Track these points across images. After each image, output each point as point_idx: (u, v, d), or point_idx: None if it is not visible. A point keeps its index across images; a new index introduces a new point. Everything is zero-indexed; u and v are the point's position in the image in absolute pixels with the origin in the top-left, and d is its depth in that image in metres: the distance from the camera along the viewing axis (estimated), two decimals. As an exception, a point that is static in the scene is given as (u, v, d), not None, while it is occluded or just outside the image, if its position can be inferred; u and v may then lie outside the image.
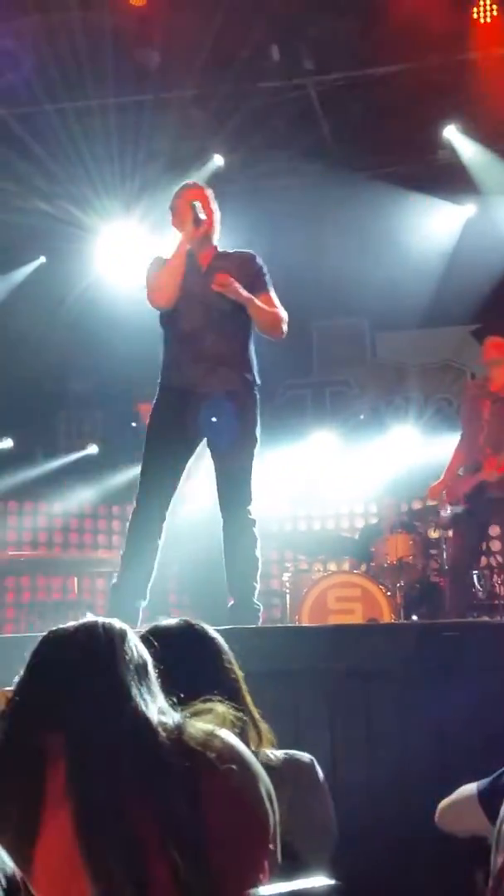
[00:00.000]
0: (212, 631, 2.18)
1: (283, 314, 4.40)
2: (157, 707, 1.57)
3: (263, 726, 2.11)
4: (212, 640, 2.16)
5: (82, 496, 8.76)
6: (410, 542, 6.94)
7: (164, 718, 1.55)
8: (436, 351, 10.15)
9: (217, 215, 4.47)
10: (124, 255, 8.13)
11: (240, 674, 2.12)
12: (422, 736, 3.27)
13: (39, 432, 9.42)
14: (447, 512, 6.19)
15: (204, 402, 4.27)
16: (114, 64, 7.26)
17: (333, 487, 9.00)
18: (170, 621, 2.19)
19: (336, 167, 8.65)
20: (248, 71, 7.46)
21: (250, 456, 4.35)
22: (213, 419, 4.27)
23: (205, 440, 4.36)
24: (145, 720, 1.53)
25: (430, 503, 6.90)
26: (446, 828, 2.39)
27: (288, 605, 6.94)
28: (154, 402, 4.41)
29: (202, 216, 4.33)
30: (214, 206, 4.47)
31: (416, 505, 7.96)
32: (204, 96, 7.73)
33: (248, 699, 2.10)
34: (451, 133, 8.14)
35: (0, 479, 8.49)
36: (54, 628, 1.62)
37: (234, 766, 1.52)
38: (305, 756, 2.27)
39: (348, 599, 6.35)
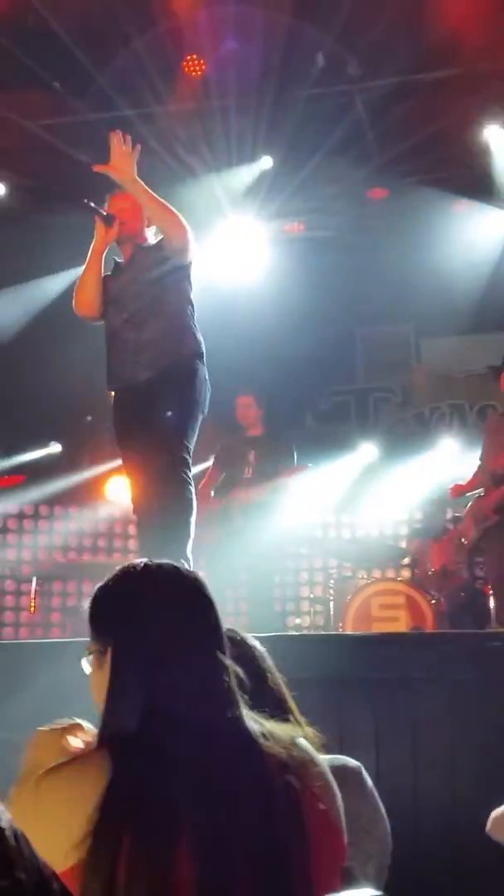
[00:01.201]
0: (251, 639, 2.17)
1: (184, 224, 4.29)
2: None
3: (310, 731, 2.10)
4: (252, 648, 2.15)
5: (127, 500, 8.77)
6: (454, 550, 6.89)
7: (254, 725, 1.55)
8: (482, 357, 10.06)
9: (147, 210, 4.40)
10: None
11: (283, 682, 2.11)
12: (469, 746, 3.24)
13: (86, 437, 9.48)
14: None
15: (137, 394, 4.29)
16: (161, 72, 7.30)
17: (377, 494, 8.96)
18: None
19: (381, 173, 8.62)
20: (293, 78, 7.46)
21: (181, 414, 4.26)
22: (146, 412, 4.25)
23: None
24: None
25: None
26: (499, 838, 2.37)
27: (332, 613, 6.92)
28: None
29: (109, 215, 4.34)
30: (140, 209, 4.43)
31: (461, 512, 7.90)
32: (248, 104, 7.73)
33: (294, 706, 2.09)
34: (497, 138, 8.09)
35: (48, 484, 8.56)
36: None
37: (323, 781, 1.53)
38: (353, 761, 2.24)
39: (392, 607, 6.32)
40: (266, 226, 8.73)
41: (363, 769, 2.25)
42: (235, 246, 8.51)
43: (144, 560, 1.67)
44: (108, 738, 1.52)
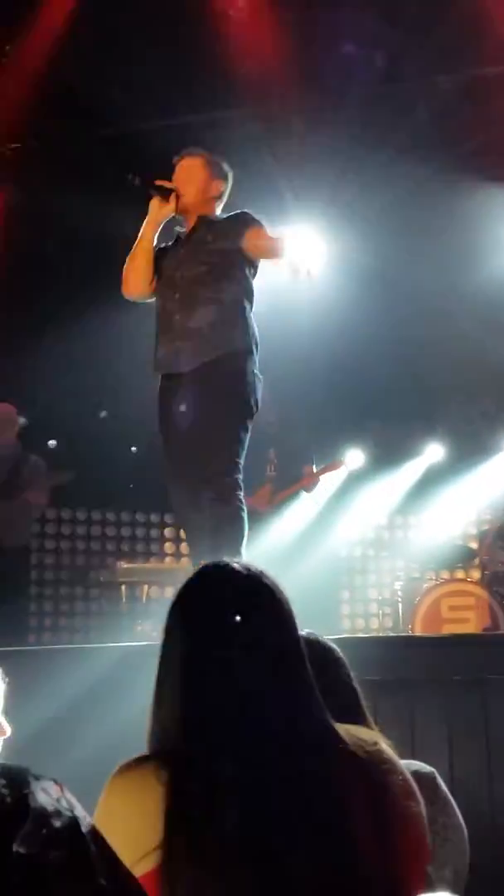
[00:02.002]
0: (334, 646, 2.14)
1: (276, 237, 4.16)
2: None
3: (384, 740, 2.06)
4: (334, 653, 2.12)
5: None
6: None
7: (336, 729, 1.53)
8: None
9: (215, 182, 4.28)
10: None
11: (359, 689, 2.08)
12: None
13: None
14: None
15: (181, 384, 4.11)
16: (212, 76, 7.31)
17: (445, 494, 8.87)
18: None
19: (442, 172, 8.53)
20: (351, 78, 7.41)
21: (231, 421, 4.07)
22: (182, 406, 4.09)
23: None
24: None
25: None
26: None
27: (400, 614, 6.86)
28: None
29: (164, 189, 4.15)
30: (206, 172, 4.29)
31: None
32: (305, 106, 7.70)
33: (367, 713, 2.06)
34: None
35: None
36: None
37: (406, 785, 1.50)
38: (426, 767, 2.21)
39: (462, 608, 6.24)
40: (328, 224, 8.69)
41: (436, 774, 2.21)
42: (297, 242, 8.48)
43: (225, 560, 1.64)
44: (160, 745, 1.50)
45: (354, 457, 8.37)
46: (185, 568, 5.49)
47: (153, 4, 6.44)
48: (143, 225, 4.20)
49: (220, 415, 4.05)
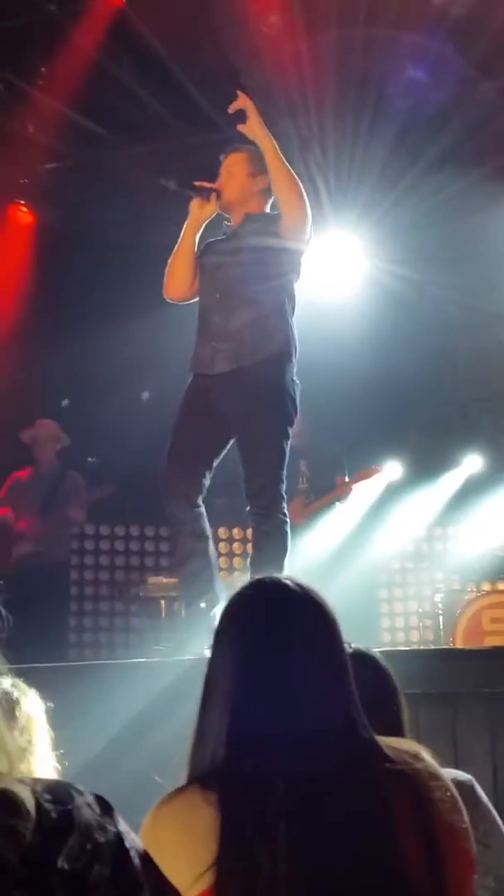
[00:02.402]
0: (383, 661, 2.13)
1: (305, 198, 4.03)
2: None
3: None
4: (384, 670, 2.11)
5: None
6: None
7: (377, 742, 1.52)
8: None
9: (259, 177, 4.19)
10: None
11: (404, 705, 2.06)
12: None
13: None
14: None
15: (216, 386, 4.05)
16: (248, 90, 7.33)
17: (484, 505, 8.80)
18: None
19: (477, 184, 8.50)
20: (387, 91, 7.42)
21: (272, 435, 4.03)
22: (225, 404, 4.03)
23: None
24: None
25: None
26: None
27: (441, 627, 6.81)
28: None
29: (205, 190, 4.10)
30: (249, 167, 4.21)
31: None
32: (339, 118, 7.71)
33: (406, 727, 2.05)
34: None
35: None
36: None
37: (449, 794, 1.50)
38: (463, 774, 2.19)
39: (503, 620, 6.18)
40: (363, 237, 8.68)
41: (475, 781, 2.19)
42: (333, 258, 8.47)
43: (272, 576, 1.64)
44: (204, 765, 1.49)
45: (392, 468, 8.34)
46: (228, 583, 5.48)
47: (186, 22, 6.48)
48: (185, 227, 4.17)
49: (261, 425, 4.01)
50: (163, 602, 6.80)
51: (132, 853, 0.93)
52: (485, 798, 2.20)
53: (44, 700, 2.18)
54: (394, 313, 8.45)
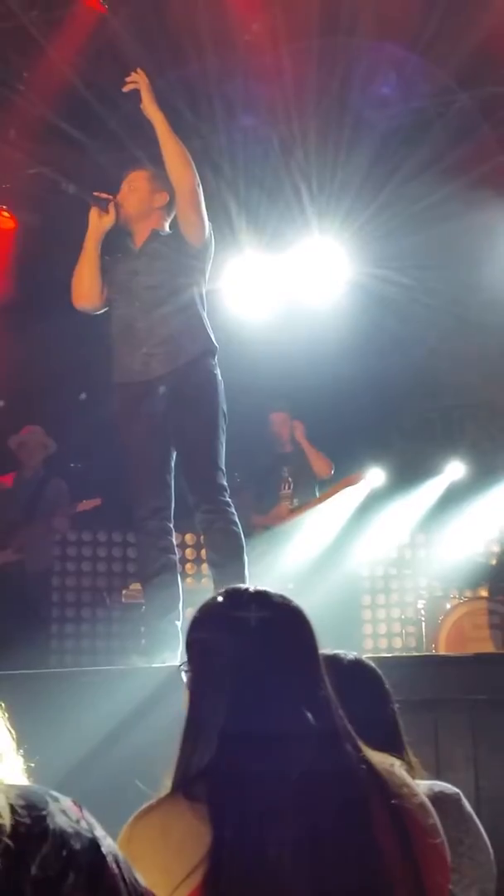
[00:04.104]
0: (379, 671, 2.12)
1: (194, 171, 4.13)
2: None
3: (415, 760, 2.04)
4: (381, 682, 2.10)
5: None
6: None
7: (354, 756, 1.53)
8: None
9: (159, 194, 4.29)
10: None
11: (397, 712, 2.06)
12: None
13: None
14: None
15: (151, 391, 4.11)
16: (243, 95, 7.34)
17: (467, 511, 8.82)
18: (340, 652, 2.12)
19: (460, 191, 8.54)
20: (369, 100, 7.44)
21: (213, 432, 4.10)
22: (163, 407, 4.08)
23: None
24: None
25: None
26: None
27: (424, 633, 6.81)
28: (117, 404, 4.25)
29: (103, 200, 4.20)
30: (148, 184, 4.32)
31: None
32: (327, 125, 7.72)
33: (403, 738, 2.04)
34: None
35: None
36: None
37: (424, 810, 1.52)
38: (450, 788, 2.19)
39: (486, 627, 6.18)
40: (344, 245, 8.70)
41: (461, 795, 2.19)
42: (316, 264, 8.49)
43: (244, 586, 1.65)
44: (190, 777, 1.49)
45: (375, 475, 8.34)
46: (206, 588, 5.47)
47: (165, 30, 6.49)
48: (86, 236, 4.27)
49: (202, 424, 4.10)
50: (144, 608, 6.77)
51: (109, 859, 0.91)
52: (470, 811, 2.19)
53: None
54: (377, 320, 8.46)
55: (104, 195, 4.27)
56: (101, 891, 0.89)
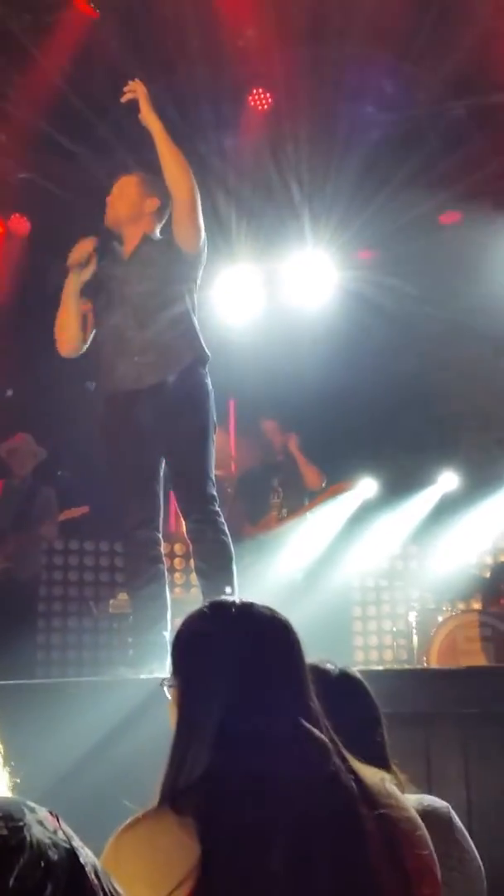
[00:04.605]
0: (367, 684, 2.09)
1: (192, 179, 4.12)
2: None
3: (402, 775, 2.01)
4: (369, 694, 2.07)
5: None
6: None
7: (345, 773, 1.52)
8: None
9: (149, 199, 4.27)
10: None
11: (384, 724, 2.03)
12: None
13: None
14: None
15: (141, 400, 4.07)
16: (227, 105, 7.34)
17: (460, 523, 8.80)
18: (326, 665, 2.09)
19: (454, 200, 8.55)
20: (362, 109, 7.46)
21: (204, 442, 4.09)
22: (154, 416, 4.05)
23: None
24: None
25: None
26: None
27: (415, 646, 6.77)
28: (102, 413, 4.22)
29: (83, 259, 4.16)
30: (138, 188, 4.29)
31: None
32: (319, 133, 7.72)
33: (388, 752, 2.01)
34: None
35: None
36: None
37: (414, 827, 1.53)
38: (440, 802, 2.15)
39: (478, 640, 6.15)
40: (336, 253, 8.70)
41: (451, 809, 2.15)
42: (307, 274, 8.48)
43: (231, 598, 1.63)
44: (178, 790, 1.47)
45: (368, 485, 8.31)
46: (194, 598, 5.43)
47: (156, 37, 6.48)
48: (65, 293, 4.24)
49: (194, 434, 4.08)
50: (132, 619, 6.73)
51: (87, 869, 0.90)
52: (460, 825, 2.16)
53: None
54: (370, 331, 8.45)
55: (85, 248, 4.21)
56: None
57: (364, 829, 1.44)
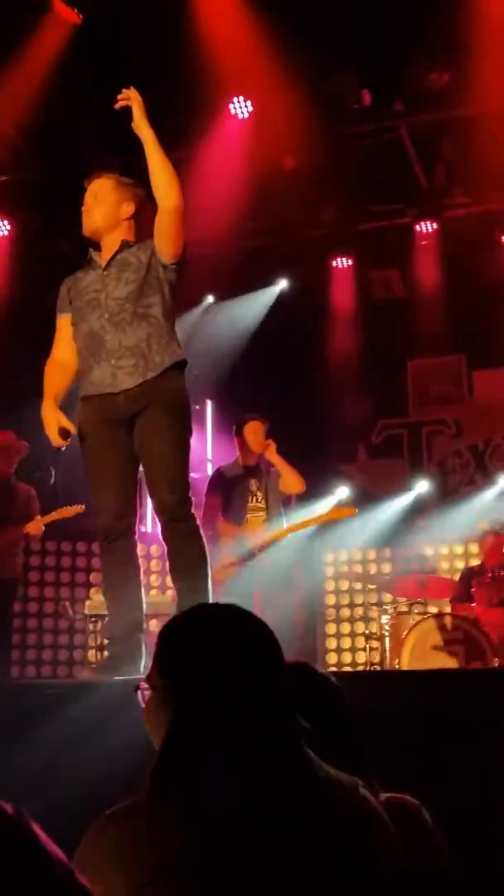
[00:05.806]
0: (332, 677, 2.10)
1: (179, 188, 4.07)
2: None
3: (374, 778, 2.03)
4: (342, 697, 2.08)
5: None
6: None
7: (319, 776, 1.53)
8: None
9: (126, 204, 4.23)
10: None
11: (355, 722, 2.04)
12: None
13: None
14: None
15: (117, 403, 4.07)
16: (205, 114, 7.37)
17: (433, 527, 8.85)
18: (302, 667, 2.09)
19: (429, 209, 8.62)
20: (338, 116, 7.51)
21: (180, 444, 4.08)
22: (130, 420, 4.06)
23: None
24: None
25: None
26: None
27: (387, 649, 6.81)
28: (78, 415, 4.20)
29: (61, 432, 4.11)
30: (116, 194, 4.23)
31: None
32: (295, 144, 7.76)
33: (360, 746, 2.03)
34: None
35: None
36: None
37: (387, 833, 1.53)
38: (410, 800, 2.17)
39: (450, 642, 6.20)
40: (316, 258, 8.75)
41: (422, 807, 2.17)
42: (288, 278, 8.53)
43: (209, 602, 1.67)
44: (164, 787, 1.49)
45: (341, 489, 8.36)
46: (170, 601, 5.43)
47: (133, 39, 6.49)
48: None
49: (170, 437, 4.06)
50: (107, 620, 6.71)
51: (57, 868, 0.90)
52: (430, 823, 2.17)
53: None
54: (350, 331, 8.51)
55: (58, 442, 4.13)
56: (36, 894, 0.87)
57: (331, 832, 1.45)
